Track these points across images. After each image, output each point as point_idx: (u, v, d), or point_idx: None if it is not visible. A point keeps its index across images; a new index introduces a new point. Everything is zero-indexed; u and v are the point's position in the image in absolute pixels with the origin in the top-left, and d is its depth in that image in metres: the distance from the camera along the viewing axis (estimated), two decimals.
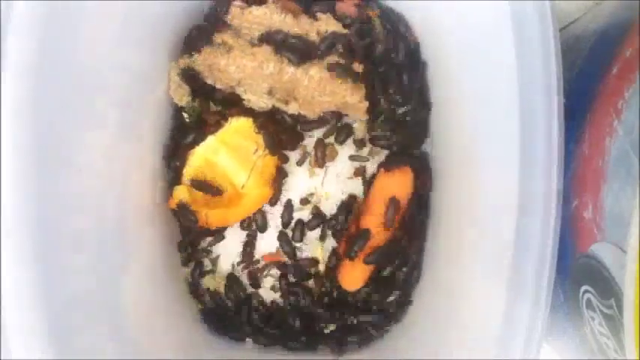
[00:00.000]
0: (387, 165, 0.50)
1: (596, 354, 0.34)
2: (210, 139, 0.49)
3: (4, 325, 0.35)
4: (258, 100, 0.49)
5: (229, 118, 0.49)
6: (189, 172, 0.50)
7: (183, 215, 0.49)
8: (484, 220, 0.39)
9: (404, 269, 0.50)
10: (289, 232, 0.53)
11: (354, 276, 0.50)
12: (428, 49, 0.49)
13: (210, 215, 0.50)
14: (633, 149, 0.28)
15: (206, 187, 0.49)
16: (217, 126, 0.50)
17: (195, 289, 0.53)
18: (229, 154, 0.49)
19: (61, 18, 0.37)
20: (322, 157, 0.52)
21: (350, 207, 0.52)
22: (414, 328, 0.49)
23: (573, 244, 0.35)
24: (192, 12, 0.50)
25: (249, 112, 0.50)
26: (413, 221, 0.50)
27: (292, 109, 0.49)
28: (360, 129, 0.52)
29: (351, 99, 0.48)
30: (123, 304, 0.43)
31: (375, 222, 0.49)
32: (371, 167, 0.53)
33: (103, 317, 0.41)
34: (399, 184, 0.49)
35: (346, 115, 0.51)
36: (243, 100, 0.49)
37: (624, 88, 0.31)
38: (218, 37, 0.48)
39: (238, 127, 0.49)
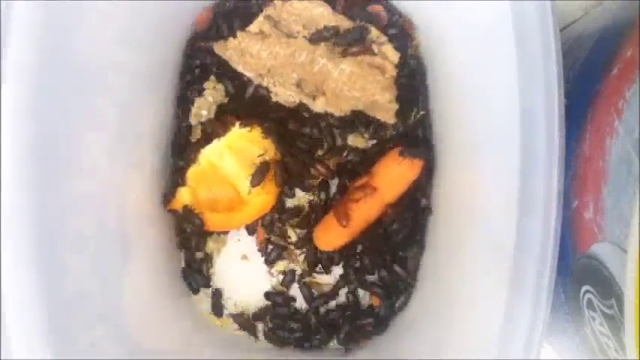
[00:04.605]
0: (404, 151, 0.48)
1: (596, 354, 0.34)
2: (216, 143, 0.49)
3: (5, 325, 0.35)
4: (286, 94, 0.48)
5: (236, 123, 0.49)
6: (192, 174, 0.49)
7: (187, 218, 0.49)
8: (484, 220, 0.39)
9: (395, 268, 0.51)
10: None
11: (328, 237, 0.50)
12: (429, 49, 0.49)
13: (211, 219, 0.49)
14: (634, 149, 0.28)
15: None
16: (225, 129, 0.49)
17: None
18: (234, 158, 0.49)
19: (61, 18, 0.37)
20: (329, 173, 0.51)
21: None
22: (414, 328, 0.48)
23: (574, 244, 0.35)
24: (194, 12, 0.50)
25: (255, 117, 0.49)
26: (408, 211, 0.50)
27: (319, 104, 0.48)
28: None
29: (381, 98, 0.47)
30: (123, 304, 0.43)
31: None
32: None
33: (103, 317, 0.41)
34: (408, 169, 0.48)
35: (373, 117, 0.49)
36: (270, 93, 0.49)
37: (625, 88, 0.31)
38: (256, 27, 0.49)
39: (244, 131, 0.49)
